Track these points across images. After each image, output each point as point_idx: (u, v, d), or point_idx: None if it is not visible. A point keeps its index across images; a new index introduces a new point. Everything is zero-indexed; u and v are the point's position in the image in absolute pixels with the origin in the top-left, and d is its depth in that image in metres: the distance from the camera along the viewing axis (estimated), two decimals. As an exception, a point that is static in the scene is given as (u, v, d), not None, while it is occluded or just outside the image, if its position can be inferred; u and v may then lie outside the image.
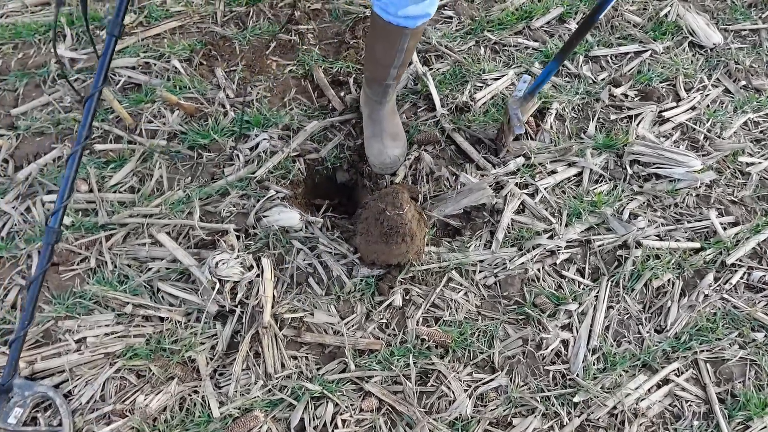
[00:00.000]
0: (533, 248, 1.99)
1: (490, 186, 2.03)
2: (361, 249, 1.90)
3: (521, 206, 2.06)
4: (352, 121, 2.27)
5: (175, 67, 2.31)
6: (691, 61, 2.56)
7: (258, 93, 2.28)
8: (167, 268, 1.89)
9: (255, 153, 2.14)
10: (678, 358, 1.82)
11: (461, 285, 1.93)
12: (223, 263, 1.82)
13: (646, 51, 2.56)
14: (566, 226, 2.04)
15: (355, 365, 1.77)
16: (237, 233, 1.96)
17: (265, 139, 2.16)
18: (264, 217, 1.98)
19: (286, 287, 1.90)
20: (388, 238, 1.81)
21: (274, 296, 1.85)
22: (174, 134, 2.19)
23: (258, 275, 1.87)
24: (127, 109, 2.23)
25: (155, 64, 2.32)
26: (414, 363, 1.77)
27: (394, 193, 1.80)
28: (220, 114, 2.23)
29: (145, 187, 2.06)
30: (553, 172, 2.16)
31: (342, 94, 2.33)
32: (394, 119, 2.15)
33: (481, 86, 2.38)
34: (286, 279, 1.90)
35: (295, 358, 1.79)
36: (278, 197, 2.03)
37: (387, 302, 1.87)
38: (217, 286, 1.81)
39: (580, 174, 2.17)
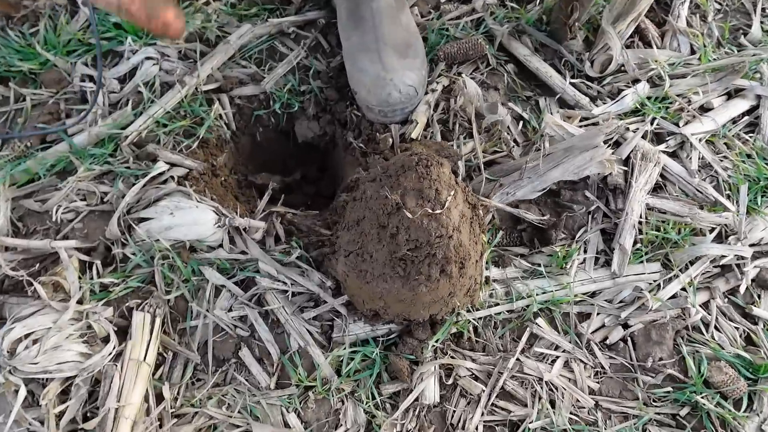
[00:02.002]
0: (691, 263, 1.00)
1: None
2: (349, 285, 0.88)
3: (661, 178, 1.06)
4: (320, 22, 1.20)
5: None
6: None
7: (138, -27, 1.18)
8: (-67, 342, 0.86)
9: (129, 87, 1.08)
10: None
11: (557, 347, 0.94)
12: (33, 340, 0.79)
13: None
14: (749, 213, 1.04)
15: None
16: (85, 258, 0.93)
17: (149, 58, 1.10)
18: (141, 221, 0.94)
19: (193, 371, 0.89)
20: (410, 269, 0.80)
21: (148, 404, 0.84)
22: (-30, 55, 1.11)
23: (119, 355, 0.85)
24: None
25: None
26: None
27: (424, 166, 0.78)
28: (62, 14, 1.14)
29: None
30: (706, 108, 1.14)
31: (301, -26, 1.26)
32: (401, 16, 1.11)
33: (553, -44, 1.32)
34: (190, 354, 0.89)
35: None
36: (173, 177, 0.99)
37: (409, 396, 0.88)
38: (23, 387, 0.80)
39: (754, 110, 1.16)
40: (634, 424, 0.90)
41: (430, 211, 0.77)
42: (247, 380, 0.89)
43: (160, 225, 0.92)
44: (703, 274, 1.00)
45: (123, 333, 0.87)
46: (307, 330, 0.90)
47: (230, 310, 0.92)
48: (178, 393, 0.87)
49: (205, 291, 0.92)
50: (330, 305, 0.91)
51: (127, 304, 0.89)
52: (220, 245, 0.94)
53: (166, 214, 0.92)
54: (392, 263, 0.81)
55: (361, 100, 1.07)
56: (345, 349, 0.89)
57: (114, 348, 0.84)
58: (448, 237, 0.78)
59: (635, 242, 1.00)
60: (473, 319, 0.93)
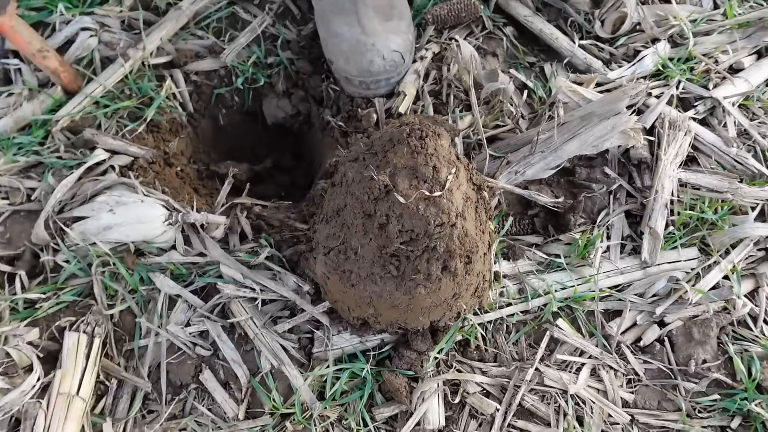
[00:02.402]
0: (732, 247, 0.85)
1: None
2: (331, 290, 0.72)
3: (692, 149, 0.91)
4: (288, -17, 1.04)
5: None
6: None
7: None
8: None
9: (62, 64, 0.91)
10: None
11: (582, 353, 0.79)
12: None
13: None
14: (795, 187, 0.90)
15: None
16: (6, 268, 0.76)
17: (86, 29, 0.93)
18: (75, 221, 0.78)
19: (143, 402, 0.73)
20: (405, 266, 0.65)
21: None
22: None
23: (46, 388, 0.68)
24: None
25: None
26: None
27: (417, 138, 0.63)
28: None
29: None
30: (735, 69, 1.00)
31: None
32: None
33: None
34: (139, 381, 0.73)
35: None
36: (114, 166, 0.82)
37: (409, 421, 0.73)
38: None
39: (789, 70, 1.02)
40: (678, 441, 0.76)
41: (427, 193, 0.61)
42: (210, 410, 0.73)
43: (97, 225, 0.75)
44: (747, 258, 0.85)
45: (53, 359, 0.71)
46: (281, 346, 0.74)
47: (188, 324, 0.76)
48: (124, 430, 0.70)
49: (157, 303, 0.76)
50: (308, 314, 0.75)
51: (58, 324, 0.73)
52: (173, 247, 0.78)
53: (105, 211, 0.76)
54: (382, 261, 0.65)
55: (338, 70, 0.91)
56: (329, 366, 0.73)
57: (38, 380, 0.67)
58: (451, 225, 0.63)
59: (666, 225, 0.85)
60: (482, 323, 0.78)
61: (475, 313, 0.77)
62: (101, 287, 0.76)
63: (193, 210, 0.78)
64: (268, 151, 1.06)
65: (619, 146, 0.88)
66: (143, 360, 0.74)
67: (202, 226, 0.78)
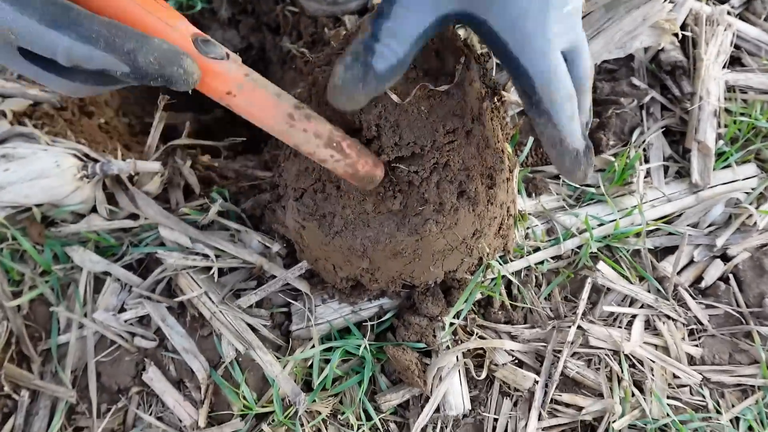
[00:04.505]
0: (798, 158, 0.70)
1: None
2: (308, 244, 0.54)
3: (735, 48, 0.75)
4: None
5: None
6: None
7: None
8: None
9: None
10: None
11: (632, 302, 0.63)
12: None
13: None
14: None
15: None
16: None
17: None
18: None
19: (68, 416, 0.54)
20: (407, 196, 0.47)
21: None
22: None
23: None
24: None
25: None
26: None
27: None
28: None
29: None
30: (766, -42, 0.84)
31: None
32: None
33: None
34: (59, 390, 0.54)
35: None
36: (5, 112, 0.63)
37: (424, 408, 0.55)
38: None
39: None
40: (762, 398, 0.60)
41: (430, 86, 0.44)
42: (160, 419, 0.54)
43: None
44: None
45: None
46: (249, 325, 0.55)
47: (122, 310, 0.57)
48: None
49: (78, 285, 0.57)
50: (281, 281, 0.57)
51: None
52: (93, 209, 0.59)
53: (-5, 168, 0.56)
54: (376, 192, 0.47)
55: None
56: (314, 347, 0.55)
57: None
58: (466, 132, 0.46)
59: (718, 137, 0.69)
60: (505, 277, 0.61)
61: (499, 261, 0.60)
62: (0, 271, 0.56)
63: (117, 159, 0.59)
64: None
65: (646, 50, 0.73)
66: (64, 362, 0.55)
67: (130, 178, 0.59)
